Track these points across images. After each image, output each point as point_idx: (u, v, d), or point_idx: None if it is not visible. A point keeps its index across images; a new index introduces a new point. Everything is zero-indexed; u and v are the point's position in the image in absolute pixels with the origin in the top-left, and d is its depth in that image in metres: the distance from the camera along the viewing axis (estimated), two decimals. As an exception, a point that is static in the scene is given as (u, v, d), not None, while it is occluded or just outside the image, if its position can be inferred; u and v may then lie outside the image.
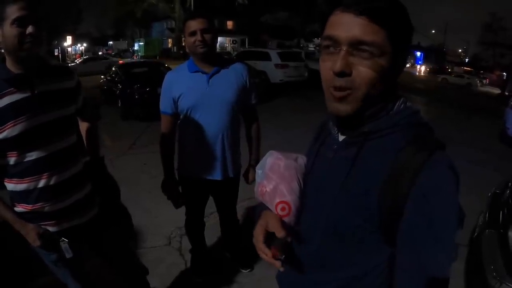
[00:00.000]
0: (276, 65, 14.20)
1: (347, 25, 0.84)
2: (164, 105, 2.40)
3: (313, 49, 29.69)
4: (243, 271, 3.15)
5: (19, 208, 1.68)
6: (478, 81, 36.31)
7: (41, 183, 1.65)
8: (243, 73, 2.43)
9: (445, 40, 67.32)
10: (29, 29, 1.48)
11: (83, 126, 2.01)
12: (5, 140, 1.54)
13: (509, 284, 2.19)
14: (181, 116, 2.39)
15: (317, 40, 51.72)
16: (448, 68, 48.60)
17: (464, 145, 7.25)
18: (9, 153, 1.58)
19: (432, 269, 0.79)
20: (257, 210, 1.19)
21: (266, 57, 14.58)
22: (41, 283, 2.79)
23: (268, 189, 1.07)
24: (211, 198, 2.81)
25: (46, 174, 1.65)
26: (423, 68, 49.79)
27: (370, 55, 0.83)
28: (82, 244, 1.94)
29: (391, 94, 0.94)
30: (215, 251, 3.39)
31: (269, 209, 1.09)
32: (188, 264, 3.22)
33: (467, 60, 63.72)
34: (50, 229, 1.74)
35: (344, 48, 0.84)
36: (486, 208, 3.06)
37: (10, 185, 1.66)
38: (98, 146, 2.08)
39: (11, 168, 1.61)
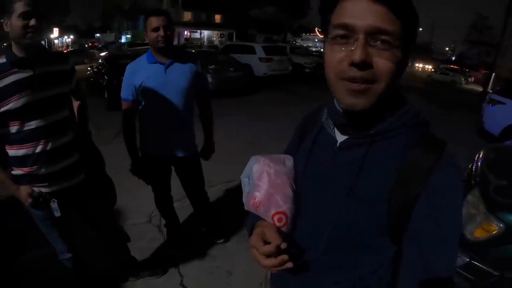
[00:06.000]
0: (261, 59, 14.55)
1: (364, 13, 0.77)
2: (126, 92, 2.69)
3: (299, 44, 29.87)
4: (218, 241, 3.45)
5: (17, 171, 2.00)
6: (463, 79, 36.27)
7: (38, 149, 1.97)
8: (195, 64, 2.76)
9: (432, 38, 68.36)
10: (32, 22, 1.81)
11: (75, 104, 2.34)
12: (9, 111, 1.86)
13: (461, 256, 2.38)
14: (142, 102, 2.68)
15: (304, 35, 51.77)
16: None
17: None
18: (12, 122, 1.89)
19: (437, 268, 0.79)
20: (250, 222, 1.14)
21: (251, 51, 14.93)
22: (31, 257, 3.05)
23: (260, 201, 1.01)
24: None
25: (43, 141, 1.97)
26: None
27: (389, 46, 0.78)
28: (71, 209, 2.25)
29: (395, 92, 0.91)
30: (191, 227, 3.67)
31: (261, 219, 1.04)
32: (166, 239, 3.48)
33: (453, 58, 64.19)
34: (43, 190, 2.05)
35: (361, 37, 0.78)
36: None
37: (11, 151, 1.98)
38: (87, 121, 2.42)
39: (12, 136, 1.93)
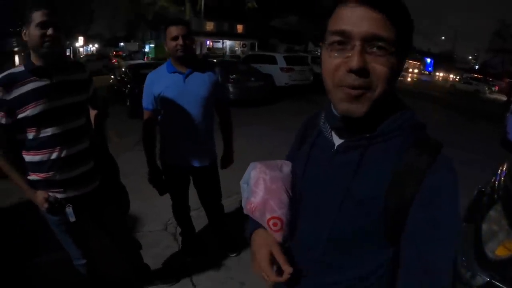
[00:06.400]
0: (282, 69, 14.60)
1: (360, 20, 0.79)
2: (146, 102, 2.72)
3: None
4: (230, 255, 3.41)
5: (33, 177, 2.04)
6: (486, 88, 35.20)
7: (54, 155, 2.02)
8: (214, 73, 2.77)
9: (455, 47, 67.36)
10: (49, 31, 1.86)
11: (92, 113, 2.39)
12: (26, 117, 1.91)
13: (480, 275, 2.25)
14: (161, 111, 2.71)
15: (326, 45, 51.34)
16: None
17: (464, 149, 7.14)
18: (29, 129, 1.95)
19: (437, 268, 0.80)
20: (249, 227, 1.17)
21: (272, 61, 15.01)
22: (45, 260, 3.10)
23: (256, 206, 1.04)
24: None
25: (58, 147, 2.02)
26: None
27: (385, 52, 0.80)
28: (86, 216, 2.28)
29: (392, 96, 0.92)
30: (207, 236, 3.66)
31: (262, 226, 1.08)
32: (181, 247, 3.49)
33: (477, 67, 63.06)
34: (58, 195, 2.10)
35: (358, 43, 0.79)
36: (469, 204, 3.10)
37: (27, 157, 2.03)
38: (103, 129, 2.46)
39: (29, 142, 1.98)
